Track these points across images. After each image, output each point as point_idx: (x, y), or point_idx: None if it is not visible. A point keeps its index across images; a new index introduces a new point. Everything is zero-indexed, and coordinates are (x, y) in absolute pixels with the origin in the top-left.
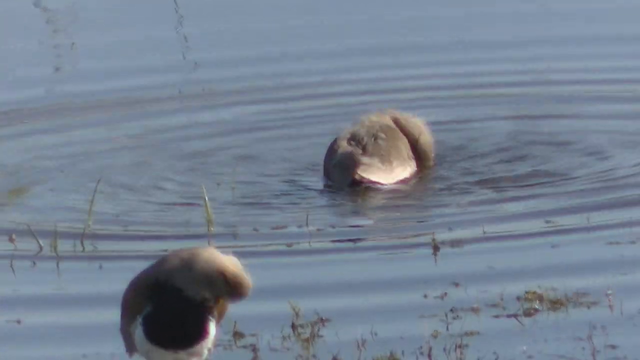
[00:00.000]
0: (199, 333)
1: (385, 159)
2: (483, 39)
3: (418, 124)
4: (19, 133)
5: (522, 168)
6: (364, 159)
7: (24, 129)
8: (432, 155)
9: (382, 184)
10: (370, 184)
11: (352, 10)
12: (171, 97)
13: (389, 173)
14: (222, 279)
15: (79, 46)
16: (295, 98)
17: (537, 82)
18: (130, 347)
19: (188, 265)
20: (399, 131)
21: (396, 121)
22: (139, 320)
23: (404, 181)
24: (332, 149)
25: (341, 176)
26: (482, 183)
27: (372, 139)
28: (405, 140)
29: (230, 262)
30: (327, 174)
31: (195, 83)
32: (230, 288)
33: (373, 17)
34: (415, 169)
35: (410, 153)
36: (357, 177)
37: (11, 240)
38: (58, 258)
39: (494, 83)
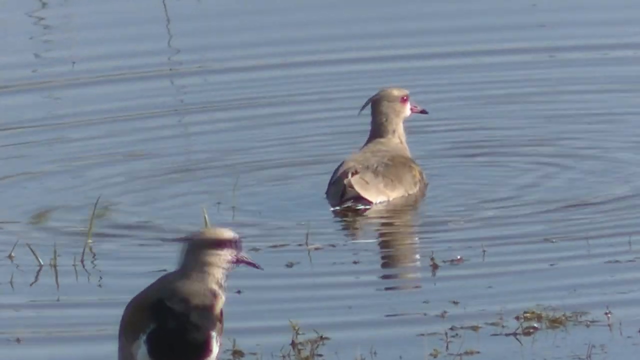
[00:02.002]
0: (203, 351)
1: (384, 180)
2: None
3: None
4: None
5: (522, 187)
6: (361, 174)
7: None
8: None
9: (370, 202)
10: (359, 200)
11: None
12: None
13: (382, 192)
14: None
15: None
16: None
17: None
18: None
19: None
20: (407, 159)
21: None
22: (142, 339)
23: (396, 201)
24: (335, 171)
25: (335, 192)
26: (481, 202)
27: (377, 162)
28: (411, 166)
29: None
30: (327, 194)
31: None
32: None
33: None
34: (416, 192)
35: (416, 179)
36: (346, 182)
37: (10, 257)
38: (57, 275)
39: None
